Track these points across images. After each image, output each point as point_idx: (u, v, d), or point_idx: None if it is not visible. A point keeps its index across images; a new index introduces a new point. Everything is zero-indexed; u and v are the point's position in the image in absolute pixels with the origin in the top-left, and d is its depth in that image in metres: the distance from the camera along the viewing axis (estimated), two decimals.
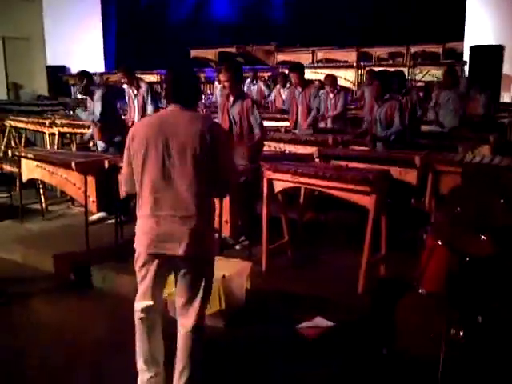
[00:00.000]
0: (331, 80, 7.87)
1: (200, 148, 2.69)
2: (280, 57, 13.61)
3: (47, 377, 3.37)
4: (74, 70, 14.95)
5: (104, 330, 4.04)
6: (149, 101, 6.70)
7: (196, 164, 2.70)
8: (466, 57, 10.35)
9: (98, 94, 6.19)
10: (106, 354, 3.60)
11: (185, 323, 2.84)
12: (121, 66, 6.95)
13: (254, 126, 5.14)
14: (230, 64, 5.43)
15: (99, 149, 6.35)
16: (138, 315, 2.90)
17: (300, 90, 6.72)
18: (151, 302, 2.87)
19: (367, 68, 10.27)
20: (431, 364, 2.99)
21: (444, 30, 11.88)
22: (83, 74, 6.36)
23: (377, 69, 9.80)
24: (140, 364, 2.94)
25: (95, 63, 15.43)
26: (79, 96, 9.06)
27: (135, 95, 6.75)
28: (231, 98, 5.17)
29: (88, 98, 6.37)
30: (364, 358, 3.40)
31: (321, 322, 3.79)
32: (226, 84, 5.07)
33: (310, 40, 13.60)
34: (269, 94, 10.34)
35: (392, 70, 9.88)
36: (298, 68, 6.93)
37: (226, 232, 4.74)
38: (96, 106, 6.14)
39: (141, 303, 2.88)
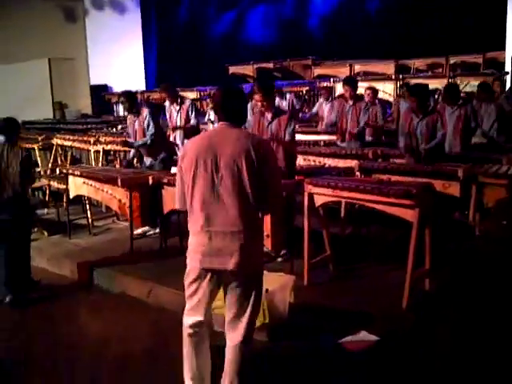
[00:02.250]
0: (373, 91, 7.89)
1: (247, 165, 2.75)
2: (317, 71, 13.62)
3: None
4: (116, 88, 15.42)
5: (147, 341, 4.11)
6: (193, 116, 6.84)
7: (243, 180, 2.76)
8: (508, 67, 10.16)
9: (146, 112, 6.34)
10: (148, 364, 3.67)
11: (234, 337, 2.89)
12: (162, 85, 7.12)
13: (286, 138, 5.19)
14: (261, 83, 5.50)
15: (146, 164, 6.49)
16: (186, 331, 2.95)
17: (351, 103, 6.69)
18: (201, 318, 2.91)
19: (405, 80, 10.18)
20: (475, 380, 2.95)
21: (484, 40, 11.67)
22: (128, 95, 6.56)
23: (415, 81, 9.79)
24: (186, 379, 2.98)
25: (136, 82, 15.86)
26: (125, 113, 9.30)
27: (178, 112, 6.89)
28: (268, 115, 5.23)
29: (132, 115, 6.52)
30: (408, 373, 3.36)
31: (365, 336, 3.77)
32: (262, 103, 5.15)
33: (348, 53, 13.60)
34: (301, 107, 10.39)
35: (430, 82, 9.89)
36: (352, 81, 6.92)
37: (267, 246, 4.79)
38: (148, 125, 6.26)
39: (190, 318, 2.93)
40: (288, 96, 10.54)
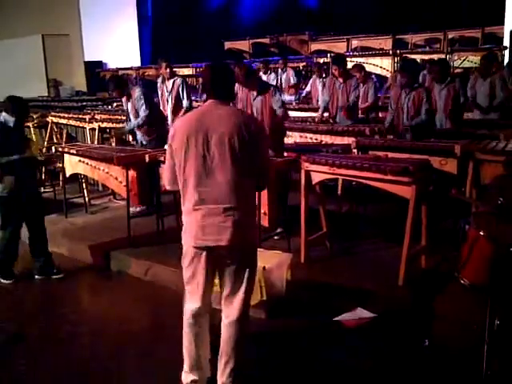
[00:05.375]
0: (359, 68, 7.82)
1: (239, 141, 2.74)
2: (314, 46, 13.49)
3: (94, 365, 3.49)
4: (111, 65, 15.25)
5: (145, 319, 4.17)
6: (184, 95, 6.76)
7: (235, 156, 2.75)
8: (507, 41, 10.06)
9: (138, 92, 6.23)
10: (147, 343, 3.70)
11: (229, 314, 2.90)
12: (162, 59, 6.98)
13: (276, 108, 5.19)
14: (238, 64, 5.45)
15: (141, 142, 6.45)
16: (187, 319, 2.95)
17: (341, 81, 6.64)
18: (200, 304, 2.91)
19: (410, 55, 10.04)
20: (472, 355, 2.98)
21: (483, 14, 11.53)
22: (114, 81, 6.51)
23: (413, 56, 9.69)
24: (185, 367, 3.01)
25: (131, 58, 15.69)
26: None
27: (170, 90, 6.81)
28: (254, 92, 5.24)
29: (124, 98, 6.47)
30: (405, 348, 3.40)
31: (361, 312, 3.81)
32: (241, 84, 5.20)
33: (345, 28, 13.44)
34: (298, 83, 10.33)
35: (428, 57, 9.80)
36: (340, 60, 6.85)
37: (264, 223, 4.80)
38: (140, 106, 6.19)
39: (190, 306, 2.93)
40: (287, 71, 10.45)
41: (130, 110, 6.40)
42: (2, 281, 4.79)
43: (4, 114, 4.63)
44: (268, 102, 5.18)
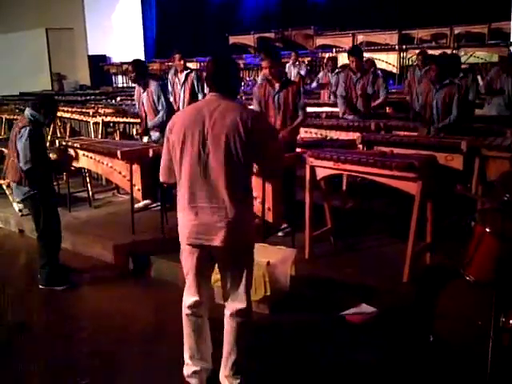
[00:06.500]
0: (370, 64, 7.79)
1: (235, 138, 2.66)
2: (319, 40, 13.47)
3: (98, 362, 3.47)
4: (115, 59, 15.22)
5: (153, 316, 4.16)
6: (200, 87, 6.70)
7: (231, 154, 2.67)
8: None
9: (154, 85, 6.00)
10: (154, 340, 3.70)
11: (230, 309, 2.90)
12: (175, 50, 6.90)
13: (299, 109, 5.11)
14: (268, 48, 5.34)
15: (152, 138, 6.30)
16: (185, 311, 2.96)
17: (359, 75, 6.45)
18: (197, 298, 2.92)
19: (415, 51, 9.93)
20: (476, 351, 2.96)
21: (489, 9, 11.46)
22: (135, 63, 6.32)
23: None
24: (186, 358, 3.01)
25: (135, 52, 15.65)
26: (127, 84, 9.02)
27: (182, 84, 6.74)
28: (277, 85, 5.08)
29: (139, 87, 6.30)
30: (409, 344, 3.39)
31: (366, 308, 3.79)
32: (270, 70, 4.99)
33: (350, 23, 13.39)
34: (307, 77, 10.25)
35: (437, 52, 9.73)
36: (358, 51, 6.67)
37: (269, 219, 4.77)
38: (158, 99, 5.99)
39: (188, 298, 2.94)
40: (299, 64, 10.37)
41: (144, 103, 6.15)
42: (57, 288, 4.57)
43: (33, 112, 4.40)
44: (292, 95, 5.04)
